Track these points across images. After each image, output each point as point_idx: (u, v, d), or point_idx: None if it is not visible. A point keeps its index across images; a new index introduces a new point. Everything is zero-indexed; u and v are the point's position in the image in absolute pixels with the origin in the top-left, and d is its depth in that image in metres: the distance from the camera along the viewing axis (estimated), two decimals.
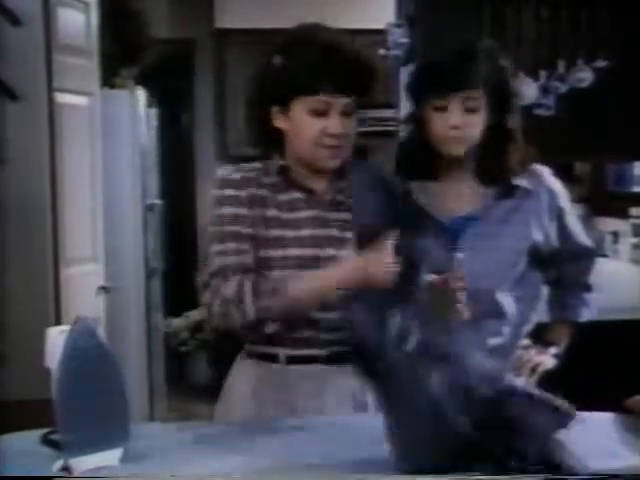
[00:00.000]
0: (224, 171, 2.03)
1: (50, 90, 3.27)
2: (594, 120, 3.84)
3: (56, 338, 1.47)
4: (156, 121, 4.93)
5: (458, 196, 2.13)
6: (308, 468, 1.47)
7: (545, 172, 2.18)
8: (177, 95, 6.76)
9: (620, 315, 3.15)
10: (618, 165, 4.60)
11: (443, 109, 2.01)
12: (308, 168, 1.95)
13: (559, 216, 2.18)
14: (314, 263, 1.88)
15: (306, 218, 1.93)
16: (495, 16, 3.73)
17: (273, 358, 1.93)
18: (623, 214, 4.33)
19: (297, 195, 1.96)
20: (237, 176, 1.98)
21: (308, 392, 1.90)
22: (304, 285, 1.84)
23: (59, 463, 1.47)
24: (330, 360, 1.91)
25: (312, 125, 1.88)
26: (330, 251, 1.90)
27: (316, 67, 1.85)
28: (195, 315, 6.16)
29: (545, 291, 2.28)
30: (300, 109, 1.88)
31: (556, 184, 2.20)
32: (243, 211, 1.92)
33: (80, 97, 3.62)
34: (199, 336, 6.06)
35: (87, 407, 1.46)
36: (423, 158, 2.10)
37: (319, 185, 1.97)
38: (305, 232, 1.92)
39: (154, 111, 4.88)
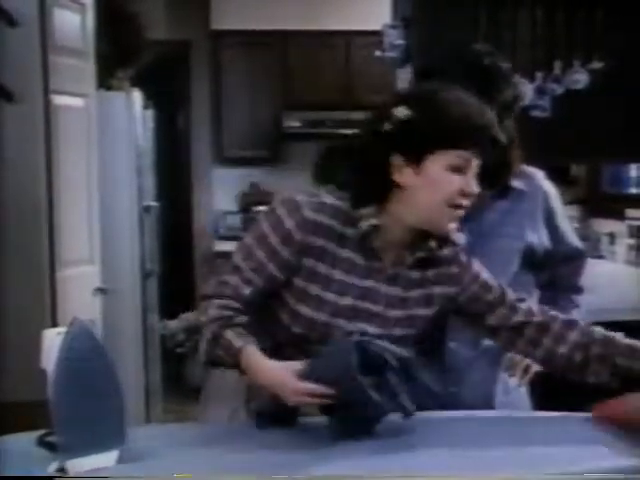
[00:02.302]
0: (305, 199, 1.79)
1: (46, 92, 3.27)
2: (590, 122, 3.84)
3: (52, 340, 1.47)
4: (152, 123, 4.93)
5: None
6: (307, 468, 1.47)
7: (539, 174, 2.21)
8: (173, 97, 6.76)
9: (616, 316, 3.16)
10: (614, 167, 4.61)
11: None
12: (417, 232, 1.81)
13: (551, 218, 2.20)
14: (343, 334, 1.76)
15: (358, 286, 1.81)
16: (491, 17, 3.73)
17: None
18: (619, 215, 4.34)
19: (358, 258, 1.80)
20: (310, 216, 1.77)
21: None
22: (246, 364, 1.71)
23: (55, 465, 1.47)
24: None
25: (452, 182, 1.74)
26: (362, 325, 1.79)
27: (467, 121, 1.74)
28: (191, 317, 6.15)
29: (536, 293, 2.29)
30: (439, 164, 1.74)
31: (549, 186, 2.22)
32: (285, 253, 1.77)
33: (76, 99, 3.62)
34: (195, 338, 6.04)
35: (83, 409, 1.46)
36: None
37: (390, 256, 1.83)
38: (347, 301, 1.80)
39: (150, 113, 4.87)
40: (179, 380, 6.05)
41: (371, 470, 1.47)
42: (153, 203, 4.76)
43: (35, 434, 1.54)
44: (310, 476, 1.44)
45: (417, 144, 1.75)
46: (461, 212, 1.78)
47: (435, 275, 1.87)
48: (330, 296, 1.78)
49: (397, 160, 1.75)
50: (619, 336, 1.82)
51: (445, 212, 1.76)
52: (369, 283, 1.81)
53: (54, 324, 3.07)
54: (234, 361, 1.71)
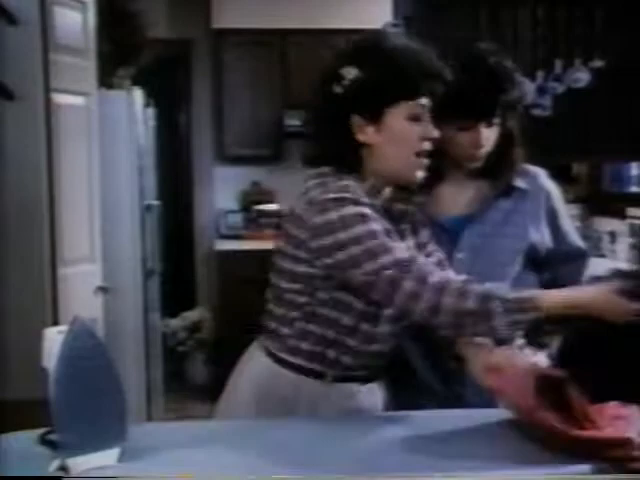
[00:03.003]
0: (347, 193, 1.75)
1: (47, 90, 3.27)
2: (591, 120, 3.84)
3: (54, 338, 1.47)
4: (153, 121, 4.93)
5: (456, 197, 2.15)
6: (307, 467, 1.47)
7: (541, 173, 2.22)
8: (174, 95, 6.76)
9: None
10: (615, 165, 4.61)
11: (468, 129, 2.05)
12: (390, 185, 1.86)
13: (553, 217, 2.20)
14: None
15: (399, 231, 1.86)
16: (492, 16, 3.74)
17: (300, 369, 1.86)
18: (620, 214, 4.34)
19: (387, 223, 1.81)
20: (365, 200, 1.76)
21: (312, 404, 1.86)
22: (553, 305, 1.72)
23: (56, 463, 1.47)
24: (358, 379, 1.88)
25: (414, 131, 1.79)
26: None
27: (414, 68, 1.76)
28: (192, 315, 6.16)
29: None
30: (398, 116, 1.78)
31: (552, 185, 2.22)
32: (381, 224, 1.76)
33: (77, 97, 3.61)
34: (196, 336, 6.06)
35: (84, 407, 1.46)
36: (433, 168, 2.12)
37: (398, 210, 1.90)
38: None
39: (151, 111, 4.87)
40: (180, 378, 6.06)
41: (371, 470, 1.48)
42: (154, 202, 4.76)
43: (36, 432, 1.54)
44: (310, 476, 1.44)
45: (373, 102, 1.78)
46: (426, 160, 1.82)
47: (418, 222, 1.96)
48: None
49: (357, 121, 1.79)
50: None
51: (412, 162, 1.81)
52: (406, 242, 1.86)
53: (55, 323, 3.07)
54: (538, 313, 1.69)
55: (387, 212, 1.85)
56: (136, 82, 4.77)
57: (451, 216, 2.12)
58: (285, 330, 1.86)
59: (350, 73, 1.77)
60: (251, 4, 6.32)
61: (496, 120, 2.07)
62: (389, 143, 1.80)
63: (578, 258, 2.30)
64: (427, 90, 1.78)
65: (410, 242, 1.91)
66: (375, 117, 1.78)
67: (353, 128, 1.79)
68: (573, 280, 2.31)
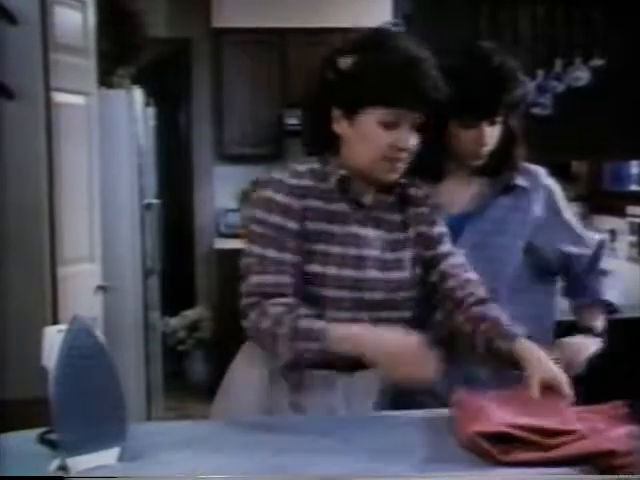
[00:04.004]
0: (280, 174, 1.82)
1: (47, 89, 3.26)
2: (591, 119, 3.84)
3: (53, 337, 1.47)
4: (153, 120, 4.94)
5: (458, 195, 2.16)
6: (307, 466, 1.47)
7: (542, 172, 2.22)
8: (174, 94, 6.76)
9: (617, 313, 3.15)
10: (615, 164, 4.61)
11: (472, 126, 2.05)
12: (363, 179, 1.85)
13: (556, 213, 2.21)
14: (354, 284, 1.80)
15: (354, 235, 1.83)
16: (492, 15, 3.73)
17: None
18: (620, 212, 4.33)
19: (346, 208, 1.84)
20: (294, 182, 1.81)
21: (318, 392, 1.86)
22: (340, 341, 1.70)
23: (56, 462, 1.47)
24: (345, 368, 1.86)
25: (382, 137, 1.77)
26: (372, 272, 1.82)
27: (398, 79, 1.73)
28: (192, 314, 6.16)
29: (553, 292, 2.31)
30: (370, 119, 1.77)
31: (552, 183, 2.23)
32: (292, 225, 1.79)
33: (77, 96, 3.61)
34: (196, 335, 6.06)
35: (84, 406, 1.46)
36: (436, 164, 2.13)
37: (368, 199, 1.87)
38: (350, 250, 1.81)
39: (151, 110, 4.88)
40: (180, 377, 6.06)
41: (371, 470, 1.47)
42: (154, 201, 4.76)
43: (36, 432, 1.54)
44: (309, 476, 1.44)
45: (349, 99, 1.78)
46: (399, 164, 1.80)
47: (415, 215, 1.92)
48: (334, 249, 1.80)
49: (335, 112, 1.80)
50: (506, 320, 1.80)
51: (379, 165, 1.80)
52: (362, 230, 1.84)
53: (55, 322, 3.07)
54: (321, 345, 1.68)
55: (351, 199, 1.85)
56: (136, 81, 4.77)
57: (452, 213, 2.12)
58: None
59: (344, 64, 1.78)
60: (251, 3, 6.32)
61: (499, 119, 2.07)
62: (358, 141, 1.80)
63: (591, 246, 2.28)
64: (404, 104, 1.75)
65: (386, 234, 1.89)
66: (349, 113, 1.79)
67: (332, 118, 1.82)
68: (593, 267, 2.29)
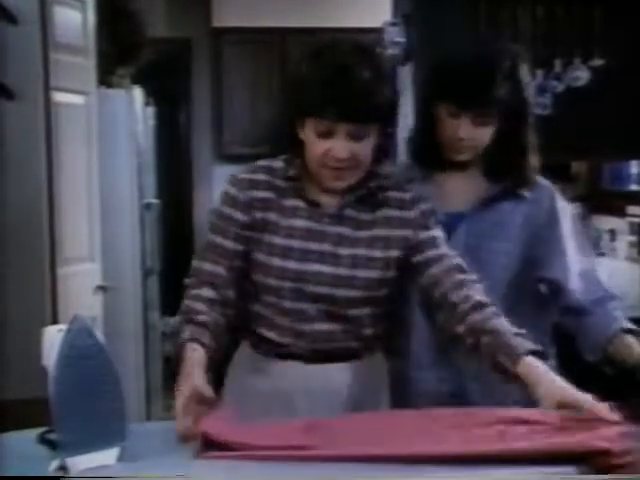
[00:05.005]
0: (241, 170, 1.98)
1: (47, 89, 3.27)
2: (591, 119, 3.84)
3: (53, 337, 1.47)
4: (153, 120, 4.93)
5: (455, 194, 2.14)
6: (307, 466, 1.47)
7: (547, 183, 2.18)
8: (174, 94, 6.76)
9: None
10: (615, 164, 4.61)
11: (457, 116, 2.03)
12: (317, 183, 1.89)
13: (557, 242, 2.14)
14: (296, 276, 1.85)
15: (301, 228, 1.88)
16: (491, 14, 3.73)
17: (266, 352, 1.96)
18: (620, 212, 4.33)
19: (300, 204, 1.89)
20: (246, 176, 1.94)
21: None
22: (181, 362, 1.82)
23: (55, 462, 1.47)
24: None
25: (317, 146, 1.80)
26: (316, 266, 1.86)
27: (323, 90, 1.75)
28: None
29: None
30: (309, 128, 1.81)
31: (564, 206, 2.18)
32: (239, 215, 1.90)
33: (77, 96, 3.62)
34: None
35: (83, 406, 1.46)
36: (428, 149, 2.12)
37: (326, 199, 1.90)
38: (295, 243, 1.87)
39: (151, 110, 4.87)
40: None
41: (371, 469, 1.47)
42: (154, 200, 4.76)
43: (36, 432, 1.54)
44: (309, 476, 1.44)
45: (294, 107, 1.86)
46: (343, 172, 1.82)
47: (386, 217, 1.91)
48: (279, 240, 1.87)
49: (297, 119, 1.85)
50: (509, 331, 1.72)
51: (322, 172, 1.84)
52: (313, 225, 1.88)
53: (55, 322, 3.07)
54: (178, 353, 1.83)
55: (306, 198, 1.89)
56: (136, 81, 4.77)
57: (448, 211, 2.10)
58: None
59: (291, 72, 1.86)
60: (251, 3, 6.32)
61: (489, 118, 2.02)
62: (307, 148, 1.85)
63: (605, 301, 2.12)
64: (331, 115, 1.75)
65: (352, 232, 1.89)
66: (299, 121, 1.84)
67: (296, 124, 1.87)
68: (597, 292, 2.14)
